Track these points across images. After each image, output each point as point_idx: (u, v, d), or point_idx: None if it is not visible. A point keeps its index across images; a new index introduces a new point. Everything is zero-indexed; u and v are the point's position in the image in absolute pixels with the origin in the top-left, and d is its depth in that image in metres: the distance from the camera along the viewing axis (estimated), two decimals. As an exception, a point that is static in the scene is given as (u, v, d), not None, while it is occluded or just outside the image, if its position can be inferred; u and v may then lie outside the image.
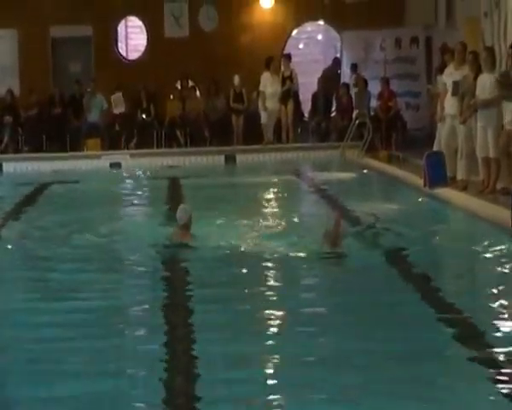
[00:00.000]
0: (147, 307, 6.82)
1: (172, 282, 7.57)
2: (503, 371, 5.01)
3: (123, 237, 9.65)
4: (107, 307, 6.74)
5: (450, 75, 12.30)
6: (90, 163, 17.38)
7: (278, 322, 6.25)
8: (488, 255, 8.05)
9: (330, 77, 19.20)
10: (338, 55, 19.97)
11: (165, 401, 4.71)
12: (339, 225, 8.00)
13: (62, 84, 19.35)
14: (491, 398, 4.68)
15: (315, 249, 8.03)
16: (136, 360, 5.53)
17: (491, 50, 11.93)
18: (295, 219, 10.49)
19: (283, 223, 10.15)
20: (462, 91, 11.88)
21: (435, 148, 12.71)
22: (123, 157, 17.59)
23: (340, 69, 19.31)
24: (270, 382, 5.04)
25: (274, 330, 6.06)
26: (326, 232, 8.01)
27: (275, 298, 6.91)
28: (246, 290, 7.11)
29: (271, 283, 7.48)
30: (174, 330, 6.08)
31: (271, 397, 4.77)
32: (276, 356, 5.44)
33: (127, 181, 15.84)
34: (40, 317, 6.48)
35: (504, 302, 6.57)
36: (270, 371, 5.25)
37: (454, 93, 12.04)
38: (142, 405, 4.77)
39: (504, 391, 4.75)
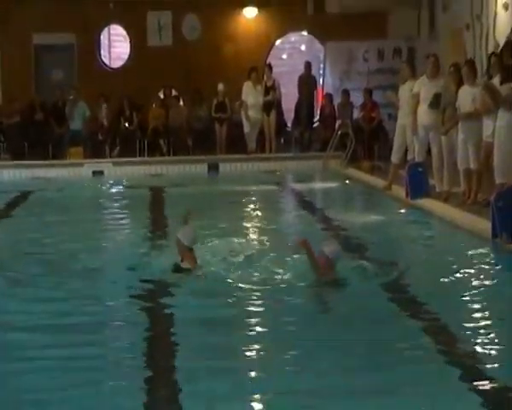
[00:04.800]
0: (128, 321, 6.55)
1: (155, 310, 6.94)
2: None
3: (103, 251, 9.40)
4: (85, 324, 6.39)
5: (423, 86, 12.35)
6: (72, 171, 17.34)
7: (263, 351, 5.83)
8: (469, 266, 8.07)
9: (306, 81, 19.27)
10: (309, 60, 20.07)
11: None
12: (314, 262, 7.29)
13: (45, 92, 19.29)
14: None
15: (301, 272, 7.60)
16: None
17: (471, 63, 12.01)
18: (281, 235, 10.27)
19: (269, 239, 9.74)
20: (444, 103, 11.95)
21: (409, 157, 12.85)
22: (106, 165, 17.57)
23: (311, 70, 19.40)
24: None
25: (258, 360, 5.66)
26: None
27: (260, 328, 6.42)
28: (231, 317, 6.62)
29: (256, 310, 6.87)
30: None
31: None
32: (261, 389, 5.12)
33: (110, 190, 15.79)
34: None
35: (486, 313, 6.62)
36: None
37: (434, 106, 12.08)
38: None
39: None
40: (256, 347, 5.85)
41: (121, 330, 6.44)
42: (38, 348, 5.89)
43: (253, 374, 5.37)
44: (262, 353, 5.80)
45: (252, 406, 4.86)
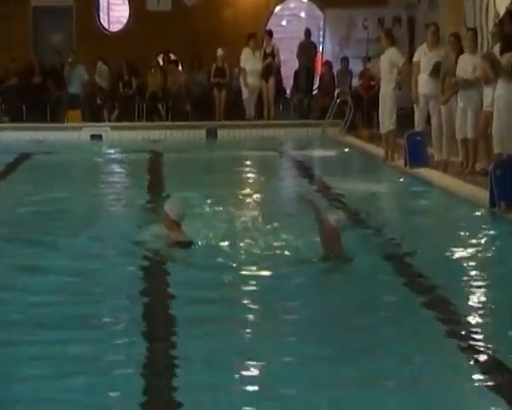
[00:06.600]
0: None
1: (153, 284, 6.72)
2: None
3: (100, 216, 9.35)
4: (78, 294, 6.18)
5: (424, 55, 12.36)
6: (70, 134, 17.31)
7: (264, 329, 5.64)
8: (467, 235, 8.12)
9: (306, 49, 19.21)
10: (308, 26, 20.00)
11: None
12: (324, 228, 6.96)
13: (43, 55, 19.21)
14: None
15: (301, 242, 7.51)
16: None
17: (474, 32, 12.03)
18: (279, 203, 10.27)
19: (266, 207, 9.68)
20: (444, 72, 11.95)
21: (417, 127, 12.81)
22: (104, 129, 17.54)
23: (310, 37, 19.35)
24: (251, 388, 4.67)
25: (259, 336, 5.48)
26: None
27: (261, 304, 6.13)
28: (232, 294, 6.33)
29: (257, 286, 6.58)
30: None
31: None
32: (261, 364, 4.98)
33: (108, 154, 15.79)
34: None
35: (484, 282, 6.67)
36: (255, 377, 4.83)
37: (434, 74, 12.11)
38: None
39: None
40: (252, 321, 5.80)
41: (116, 296, 6.32)
42: (28, 314, 5.85)
43: (250, 348, 5.31)
44: (258, 325, 5.76)
45: (249, 377, 4.80)
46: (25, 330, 5.47)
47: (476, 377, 4.75)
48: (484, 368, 4.88)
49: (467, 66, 11.28)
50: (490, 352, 5.11)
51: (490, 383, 4.64)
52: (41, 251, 7.54)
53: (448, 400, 4.49)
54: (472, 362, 4.97)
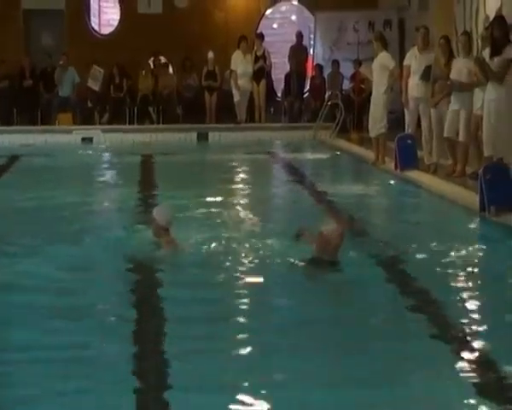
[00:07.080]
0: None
1: (143, 287, 6.70)
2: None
3: (90, 220, 9.28)
4: (68, 313, 5.93)
5: (414, 59, 12.43)
6: (61, 137, 17.27)
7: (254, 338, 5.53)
8: (456, 238, 8.11)
9: (297, 52, 19.25)
10: (300, 29, 20.03)
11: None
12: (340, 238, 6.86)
13: (34, 57, 19.20)
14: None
15: (291, 248, 7.38)
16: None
17: (468, 35, 12.08)
18: (273, 208, 10.28)
19: (262, 213, 9.55)
20: (434, 75, 11.99)
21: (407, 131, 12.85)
22: (95, 132, 17.53)
23: (302, 41, 19.38)
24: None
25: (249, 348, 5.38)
26: (321, 237, 6.79)
27: (253, 311, 6.15)
28: (222, 303, 6.27)
29: (250, 292, 6.56)
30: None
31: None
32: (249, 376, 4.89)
33: (99, 157, 15.77)
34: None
35: (472, 286, 6.71)
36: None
37: (425, 78, 12.16)
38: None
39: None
40: (244, 328, 5.75)
41: (104, 299, 6.30)
42: (18, 308, 5.90)
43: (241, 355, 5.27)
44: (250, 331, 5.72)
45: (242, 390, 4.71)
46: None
47: (466, 377, 4.80)
48: (474, 369, 4.93)
49: (461, 68, 11.31)
50: (483, 354, 5.15)
51: (480, 383, 4.72)
52: (26, 257, 7.43)
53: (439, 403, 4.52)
54: (466, 366, 4.99)
